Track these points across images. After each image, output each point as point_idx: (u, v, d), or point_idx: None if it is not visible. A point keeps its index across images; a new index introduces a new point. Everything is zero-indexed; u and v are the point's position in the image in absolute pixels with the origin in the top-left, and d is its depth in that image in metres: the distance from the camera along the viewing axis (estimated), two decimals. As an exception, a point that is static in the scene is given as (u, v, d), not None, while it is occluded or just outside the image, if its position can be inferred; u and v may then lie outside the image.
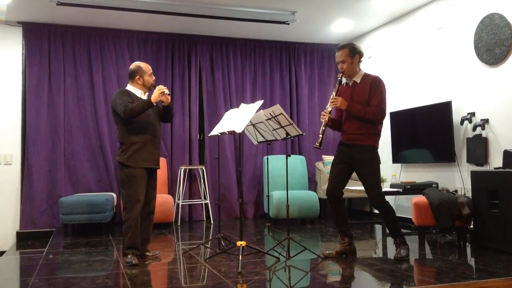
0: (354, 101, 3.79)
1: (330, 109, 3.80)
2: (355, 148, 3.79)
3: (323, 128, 3.80)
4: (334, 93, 3.84)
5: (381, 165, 3.83)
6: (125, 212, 3.80)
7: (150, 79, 4.00)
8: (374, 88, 3.75)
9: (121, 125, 3.87)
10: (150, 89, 4.03)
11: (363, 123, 3.76)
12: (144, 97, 3.97)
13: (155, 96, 3.80)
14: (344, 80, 3.95)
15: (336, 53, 3.85)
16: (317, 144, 3.78)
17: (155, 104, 3.86)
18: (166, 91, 3.86)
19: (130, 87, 3.98)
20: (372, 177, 3.75)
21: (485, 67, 4.78)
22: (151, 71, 4.04)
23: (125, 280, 3.23)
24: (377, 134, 3.83)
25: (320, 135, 3.78)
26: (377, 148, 3.82)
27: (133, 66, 4.00)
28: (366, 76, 3.85)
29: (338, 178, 3.87)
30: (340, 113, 3.94)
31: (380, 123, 3.84)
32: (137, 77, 3.95)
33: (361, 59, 3.87)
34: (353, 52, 3.80)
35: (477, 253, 4.07)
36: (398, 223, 3.83)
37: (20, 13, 5.69)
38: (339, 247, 3.93)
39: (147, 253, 3.97)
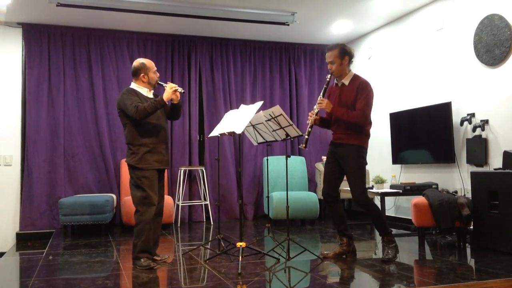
0: (342, 102, 3.81)
1: (317, 110, 3.82)
2: (343, 147, 3.80)
3: (309, 129, 3.82)
4: (321, 95, 3.86)
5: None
6: (137, 215, 3.63)
7: (155, 76, 3.81)
8: (361, 91, 3.75)
9: (130, 126, 3.68)
10: (154, 86, 3.85)
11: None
12: (150, 95, 3.81)
13: (167, 95, 3.64)
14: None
15: (326, 54, 3.87)
16: (303, 145, 3.81)
17: (167, 103, 3.71)
18: (180, 89, 3.72)
19: (134, 86, 3.78)
20: (356, 176, 3.75)
21: (485, 68, 4.79)
22: (155, 68, 3.84)
23: (125, 281, 3.23)
24: (366, 134, 3.84)
25: (306, 136, 3.80)
26: (365, 148, 3.82)
27: (136, 63, 3.79)
28: (355, 78, 3.85)
29: (332, 177, 3.90)
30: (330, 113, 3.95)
31: (365, 126, 3.82)
32: (142, 74, 3.75)
33: (352, 60, 3.88)
34: (343, 54, 3.81)
35: (477, 254, 4.07)
36: (384, 220, 3.83)
37: (20, 14, 5.69)
38: (338, 248, 3.94)
39: (156, 257, 3.82)
